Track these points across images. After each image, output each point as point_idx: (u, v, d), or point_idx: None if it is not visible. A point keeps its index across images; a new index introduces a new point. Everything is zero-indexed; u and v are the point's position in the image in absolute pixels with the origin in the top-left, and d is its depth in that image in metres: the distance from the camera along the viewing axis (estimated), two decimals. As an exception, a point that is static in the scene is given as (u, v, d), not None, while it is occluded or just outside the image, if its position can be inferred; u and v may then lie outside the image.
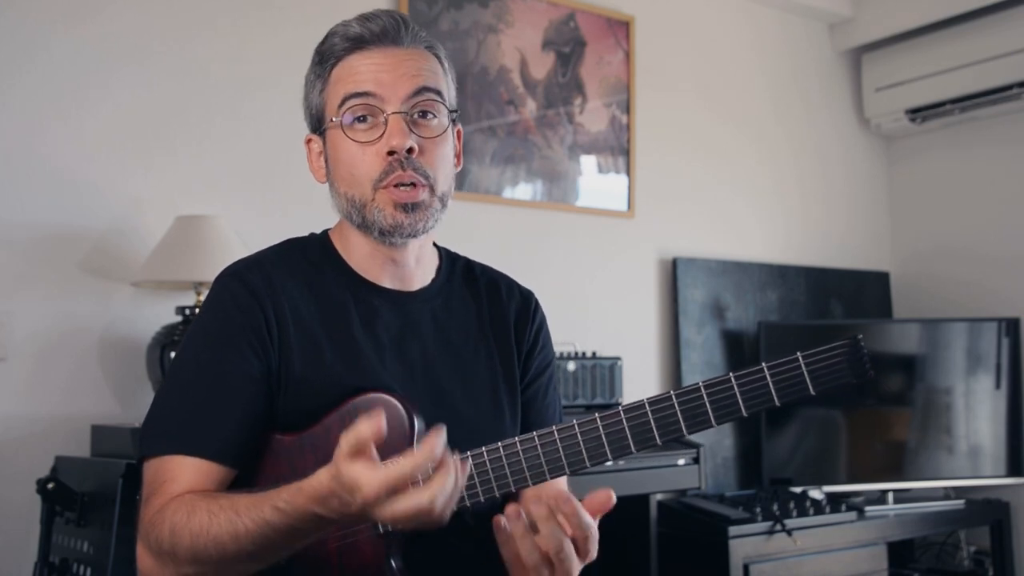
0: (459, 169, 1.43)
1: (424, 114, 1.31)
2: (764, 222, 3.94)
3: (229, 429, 1.23)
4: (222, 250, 2.40)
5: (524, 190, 3.31)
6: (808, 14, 4.09)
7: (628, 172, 3.54)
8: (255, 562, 1.17)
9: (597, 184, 3.48)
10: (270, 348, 1.28)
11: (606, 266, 3.49)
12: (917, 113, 4.05)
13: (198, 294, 2.48)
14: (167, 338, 2.42)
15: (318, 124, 1.36)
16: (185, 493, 1.20)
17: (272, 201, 2.81)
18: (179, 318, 2.47)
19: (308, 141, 1.40)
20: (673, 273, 3.60)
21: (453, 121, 1.38)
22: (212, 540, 1.15)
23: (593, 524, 1.15)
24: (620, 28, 3.54)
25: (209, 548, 1.15)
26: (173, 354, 2.38)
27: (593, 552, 1.17)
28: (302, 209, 2.81)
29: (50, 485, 2.05)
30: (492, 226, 3.21)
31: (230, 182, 2.76)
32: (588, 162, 3.45)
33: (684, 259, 3.61)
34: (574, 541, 1.14)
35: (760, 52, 3.99)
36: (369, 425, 1.03)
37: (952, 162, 4.14)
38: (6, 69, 2.47)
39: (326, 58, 1.33)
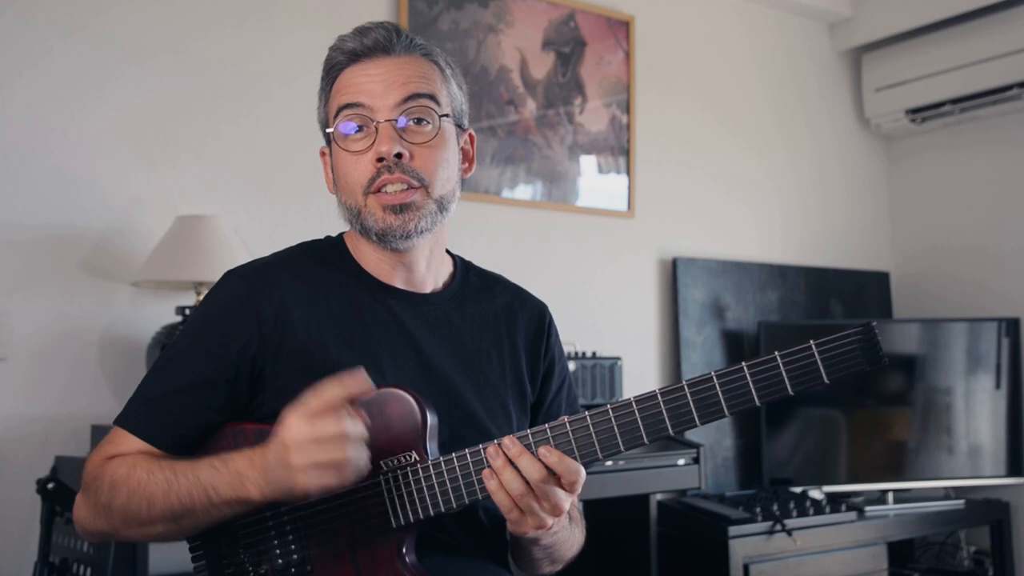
0: (470, 174, 1.46)
1: (419, 121, 1.33)
2: (764, 222, 3.94)
3: (179, 423, 1.28)
4: (222, 250, 2.40)
5: (524, 190, 3.31)
6: (808, 14, 4.09)
7: (628, 172, 3.54)
8: (174, 524, 1.23)
9: (597, 184, 3.48)
10: (255, 352, 1.30)
11: (606, 266, 3.49)
12: (917, 113, 4.05)
13: (198, 294, 2.48)
14: (167, 338, 2.42)
15: (326, 136, 1.40)
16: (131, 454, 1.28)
17: (272, 201, 2.81)
18: (179, 318, 2.47)
19: (323, 154, 1.43)
20: (673, 273, 3.60)
21: (460, 126, 1.40)
22: (145, 496, 1.22)
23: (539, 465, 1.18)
24: (620, 28, 3.54)
25: (141, 504, 1.22)
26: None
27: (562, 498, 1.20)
28: (302, 209, 2.82)
29: (50, 485, 2.04)
30: (492, 226, 3.21)
31: (230, 182, 2.76)
32: (588, 162, 3.45)
33: (684, 259, 3.61)
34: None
35: (760, 52, 3.98)
36: (335, 389, 1.14)
37: (952, 162, 4.14)
38: (8, 70, 2.47)
39: (327, 72, 1.38)
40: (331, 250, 1.42)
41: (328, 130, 1.37)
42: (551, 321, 1.52)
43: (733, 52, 3.90)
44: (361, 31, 1.35)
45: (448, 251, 1.49)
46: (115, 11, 2.62)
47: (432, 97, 1.34)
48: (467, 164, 1.44)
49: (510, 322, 1.47)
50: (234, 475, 1.18)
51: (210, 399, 1.27)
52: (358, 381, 1.15)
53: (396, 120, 1.31)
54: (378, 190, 1.31)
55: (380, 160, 1.31)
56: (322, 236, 1.48)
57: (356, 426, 1.14)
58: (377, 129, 1.31)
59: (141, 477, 1.23)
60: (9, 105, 2.47)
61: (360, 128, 1.33)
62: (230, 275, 1.37)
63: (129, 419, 1.31)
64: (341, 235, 1.45)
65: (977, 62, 3.78)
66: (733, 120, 3.87)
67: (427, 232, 1.35)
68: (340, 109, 1.33)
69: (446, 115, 1.36)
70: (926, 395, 3.70)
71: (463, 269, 1.49)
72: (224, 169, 2.75)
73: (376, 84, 1.32)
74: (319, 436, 1.12)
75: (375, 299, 1.37)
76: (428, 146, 1.33)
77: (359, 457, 1.14)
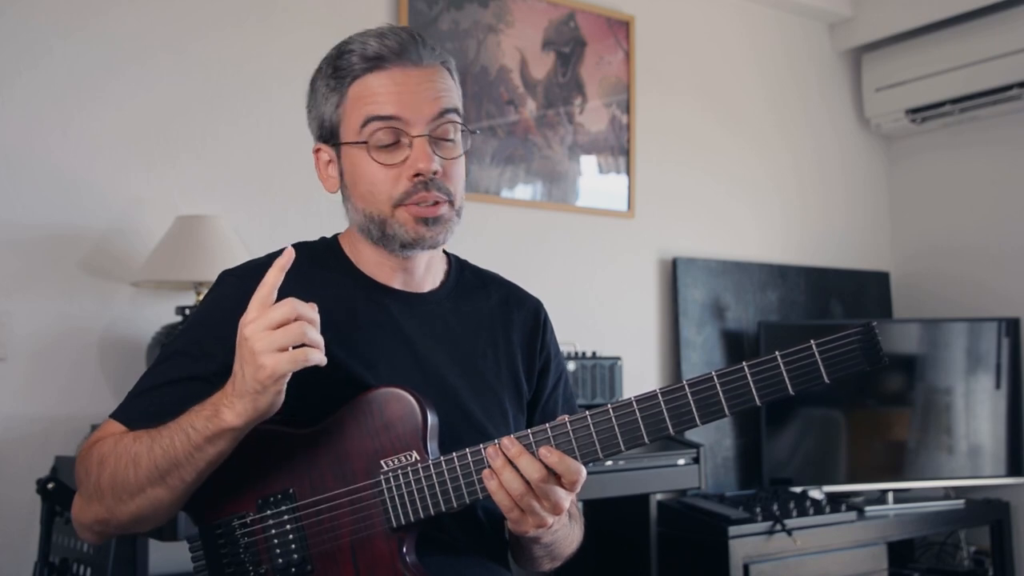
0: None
1: (445, 135, 1.33)
2: (764, 222, 3.94)
3: (166, 413, 1.27)
4: (222, 250, 2.40)
5: (524, 190, 3.31)
6: (808, 14, 4.09)
7: (628, 172, 3.54)
8: (162, 484, 1.21)
9: (597, 184, 3.48)
10: None
11: (606, 266, 3.49)
12: (917, 113, 4.05)
13: (198, 294, 2.48)
14: (167, 338, 2.42)
15: (330, 136, 1.36)
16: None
17: (272, 201, 2.81)
18: (179, 318, 2.47)
19: (317, 151, 1.40)
20: (673, 273, 3.60)
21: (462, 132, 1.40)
22: (131, 457, 1.22)
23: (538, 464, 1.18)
24: (620, 28, 3.54)
25: (128, 468, 1.22)
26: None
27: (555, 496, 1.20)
28: (302, 209, 2.82)
29: (50, 485, 2.04)
30: (492, 226, 3.21)
31: (230, 182, 2.76)
32: (588, 162, 3.45)
33: (684, 259, 3.61)
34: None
35: (760, 52, 3.99)
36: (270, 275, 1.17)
37: (952, 162, 4.14)
38: (8, 70, 2.47)
39: (343, 74, 1.33)
40: (326, 251, 1.43)
41: (355, 138, 1.32)
42: (546, 318, 1.52)
43: (733, 52, 3.90)
44: (383, 34, 1.31)
45: (443, 250, 1.49)
46: (115, 11, 2.62)
47: (458, 111, 1.34)
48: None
49: (505, 320, 1.47)
50: (210, 408, 1.18)
51: (201, 391, 1.26)
52: (286, 255, 1.19)
53: (429, 135, 1.31)
54: (412, 203, 1.31)
55: (416, 175, 1.30)
56: (321, 236, 1.48)
57: (306, 308, 1.16)
58: (412, 144, 1.30)
59: (127, 443, 1.24)
60: (9, 105, 2.47)
61: (394, 140, 1.31)
62: (225, 275, 1.38)
63: (119, 410, 1.33)
64: (336, 236, 1.45)
65: (977, 62, 3.78)
66: (733, 120, 3.87)
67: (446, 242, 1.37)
68: (369, 119, 1.30)
69: (468, 130, 1.36)
70: (926, 395, 3.70)
71: (458, 268, 1.49)
72: (224, 169, 2.75)
73: (409, 96, 1.30)
74: (273, 321, 1.14)
75: (370, 299, 1.37)
76: (455, 162, 1.34)
77: (315, 337, 1.16)
